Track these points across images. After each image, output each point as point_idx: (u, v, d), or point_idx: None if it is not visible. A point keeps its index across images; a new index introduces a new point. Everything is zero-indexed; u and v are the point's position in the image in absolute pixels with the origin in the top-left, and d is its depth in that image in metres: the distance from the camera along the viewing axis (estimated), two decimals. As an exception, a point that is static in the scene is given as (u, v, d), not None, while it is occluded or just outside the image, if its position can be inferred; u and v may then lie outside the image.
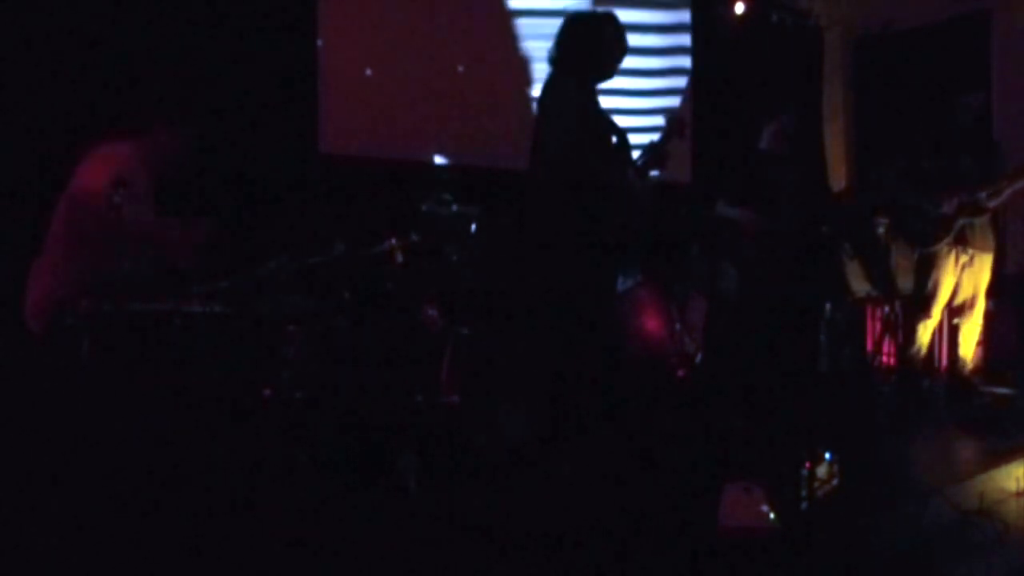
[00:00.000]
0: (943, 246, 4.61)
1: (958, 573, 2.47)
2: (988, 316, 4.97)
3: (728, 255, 4.59)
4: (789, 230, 4.52)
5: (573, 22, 3.34)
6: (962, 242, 4.61)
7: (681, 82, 5.98)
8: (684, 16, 6.01)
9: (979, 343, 4.97)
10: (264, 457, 2.80)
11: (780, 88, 6.12)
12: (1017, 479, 3.12)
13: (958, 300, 4.72)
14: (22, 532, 2.41)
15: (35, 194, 3.33)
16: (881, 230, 5.22)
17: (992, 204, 4.56)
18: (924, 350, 4.79)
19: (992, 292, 4.88)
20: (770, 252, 4.49)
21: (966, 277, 4.68)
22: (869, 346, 5.47)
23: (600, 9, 3.38)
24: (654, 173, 3.49)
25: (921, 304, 4.72)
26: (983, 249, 4.65)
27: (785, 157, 4.63)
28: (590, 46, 3.30)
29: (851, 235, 5.23)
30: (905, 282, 4.93)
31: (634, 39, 3.44)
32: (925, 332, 4.77)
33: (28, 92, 3.73)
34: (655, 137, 3.47)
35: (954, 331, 4.87)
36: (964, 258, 4.64)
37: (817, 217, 4.87)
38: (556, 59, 3.33)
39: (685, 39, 6.01)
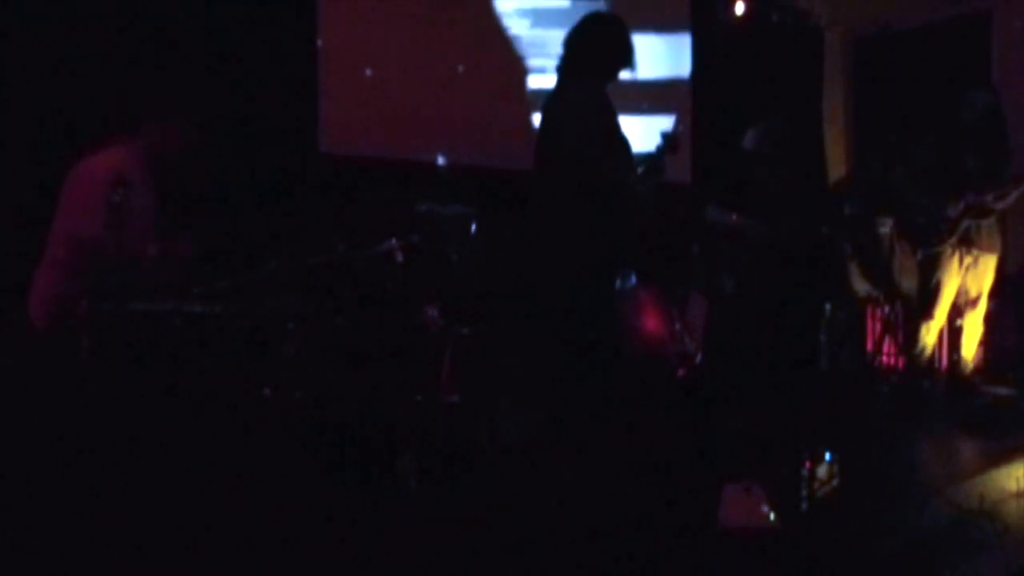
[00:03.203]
0: (947, 247, 4.59)
1: (958, 573, 2.47)
2: (988, 316, 4.96)
3: (723, 259, 4.58)
4: (783, 236, 4.51)
5: (594, 23, 3.34)
6: (966, 243, 4.58)
7: (681, 83, 5.98)
8: (684, 15, 6.01)
9: (979, 343, 4.96)
10: (264, 457, 2.80)
11: (780, 88, 6.12)
12: (1017, 479, 3.12)
13: (961, 301, 4.71)
14: (22, 532, 2.41)
15: (36, 193, 3.34)
16: (885, 230, 5.21)
17: (999, 206, 4.53)
18: (928, 351, 4.78)
19: (994, 293, 4.87)
20: (765, 257, 4.47)
21: (970, 278, 4.65)
22: (869, 346, 5.46)
23: (611, 12, 3.38)
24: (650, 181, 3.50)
25: (924, 305, 4.70)
26: (988, 250, 4.62)
27: (768, 158, 4.61)
28: (610, 46, 3.31)
29: (851, 234, 5.22)
30: (909, 282, 4.92)
31: (634, 38, 3.44)
32: (928, 333, 4.74)
33: (29, 92, 3.73)
34: (651, 149, 3.47)
35: (956, 332, 4.86)
36: (968, 259, 4.61)
37: (812, 219, 4.86)
38: (574, 59, 3.30)
39: (685, 39, 6.01)
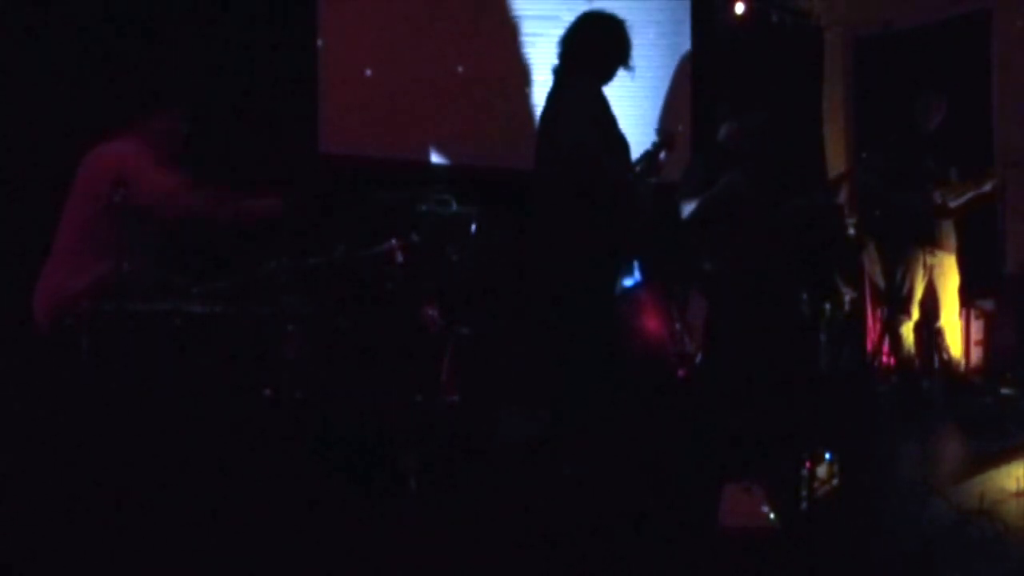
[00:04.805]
0: (913, 247, 4.66)
1: (958, 573, 2.47)
2: (988, 316, 4.97)
3: (704, 246, 4.54)
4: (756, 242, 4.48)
5: (591, 21, 3.30)
6: (930, 243, 4.66)
7: (681, 82, 5.98)
8: (684, 16, 6.01)
9: (979, 343, 4.97)
10: (264, 457, 2.80)
11: (780, 88, 6.11)
12: (1017, 479, 3.12)
13: (932, 302, 4.75)
14: (22, 532, 2.41)
15: (38, 193, 3.33)
16: (851, 231, 5.23)
17: (952, 205, 4.64)
18: (912, 349, 4.81)
19: (985, 292, 4.89)
20: (744, 248, 4.44)
21: (936, 278, 4.73)
22: (869, 346, 5.46)
23: (609, 10, 3.34)
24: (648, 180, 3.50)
25: (900, 304, 4.74)
26: (948, 250, 4.72)
27: (740, 153, 4.57)
28: (608, 45, 3.28)
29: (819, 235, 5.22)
30: (880, 282, 4.96)
31: (634, 38, 3.43)
32: (909, 332, 4.79)
33: (29, 91, 3.73)
34: (648, 147, 3.47)
35: (939, 333, 4.88)
36: (932, 260, 4.68)
37: (787, 214, 4.82)
38: (571, 58, 3.27)
39: (685, 39, 6.01)
